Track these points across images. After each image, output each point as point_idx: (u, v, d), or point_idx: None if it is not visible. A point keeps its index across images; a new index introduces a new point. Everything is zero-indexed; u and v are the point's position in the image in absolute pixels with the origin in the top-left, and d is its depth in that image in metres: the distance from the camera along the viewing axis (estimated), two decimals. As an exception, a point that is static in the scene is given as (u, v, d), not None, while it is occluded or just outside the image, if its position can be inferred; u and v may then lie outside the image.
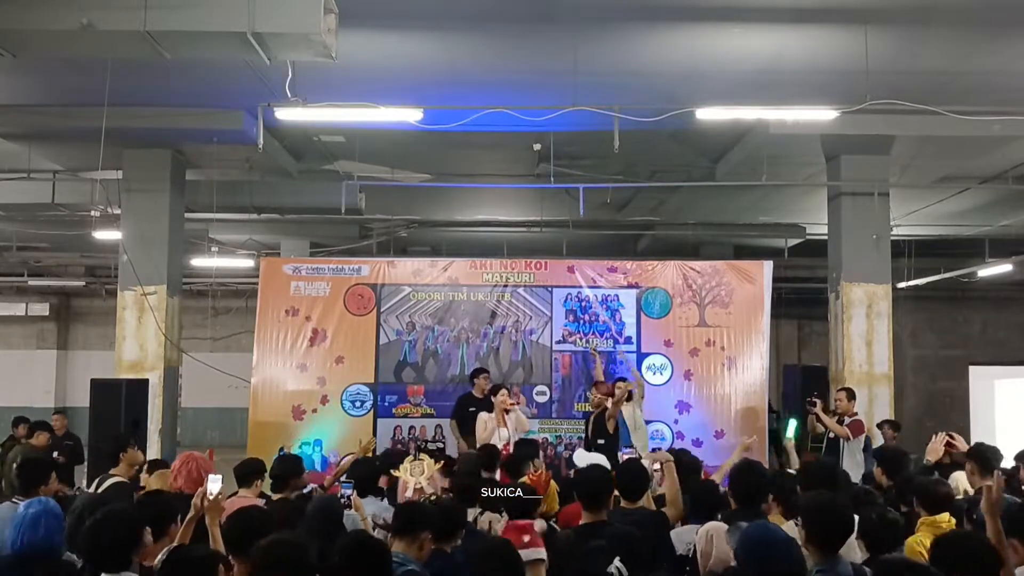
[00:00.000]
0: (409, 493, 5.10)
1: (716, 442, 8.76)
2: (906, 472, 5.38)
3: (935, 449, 5.48)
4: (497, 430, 7.47)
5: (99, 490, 5.42)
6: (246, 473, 5.07)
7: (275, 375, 8.95)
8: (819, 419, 8.16)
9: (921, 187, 10.74)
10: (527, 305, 9.21)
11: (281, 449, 8.16)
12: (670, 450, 6.01)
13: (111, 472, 5.71)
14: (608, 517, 4.23)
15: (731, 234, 14.13)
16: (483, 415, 7.63)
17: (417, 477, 5.11)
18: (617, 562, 3.33)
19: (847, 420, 8.11)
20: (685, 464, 5.16)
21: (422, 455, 5.55)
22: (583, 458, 5.68)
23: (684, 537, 4.31)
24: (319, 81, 6.85)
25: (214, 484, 3.76)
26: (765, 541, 3.33)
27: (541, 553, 3.70)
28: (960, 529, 3.54)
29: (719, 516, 4.22)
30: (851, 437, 7.88)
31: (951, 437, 5.79)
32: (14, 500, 4.72)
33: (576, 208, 9.71)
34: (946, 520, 4.13)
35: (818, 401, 8.21)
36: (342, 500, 4.55)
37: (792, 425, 6.87)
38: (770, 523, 3.70)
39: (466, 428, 7.98)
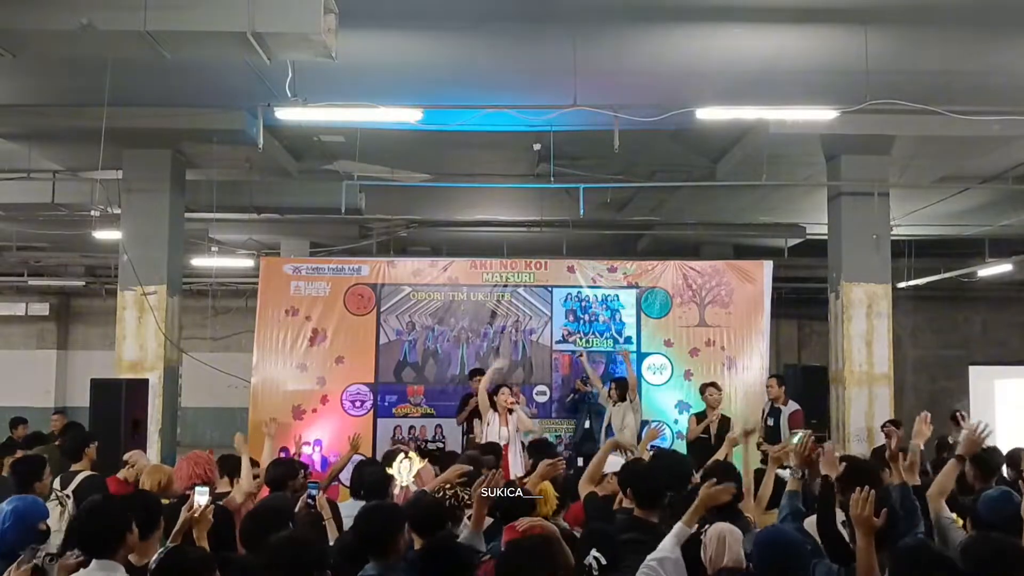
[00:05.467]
0: (397, 491, 5.07)
1: (716, 442, 8.77)
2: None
3: (922, 431, 4.98)
4: (499, 429, 7.49)
5: (68, 487, 5.45)
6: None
7: (275, 375, 8.95)
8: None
9: (921, 187, 10.74)
10: (527, 305, 9.21)
11: (283, 450, 8.16)
12: (660, 449, 5.98)
13: (73, 468, 5.73)
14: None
15: (731, 234, 14.12)
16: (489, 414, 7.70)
17: (404, 475, 5.07)
18: (594, 552, 3.35)
19: (784, 411, 8.04)
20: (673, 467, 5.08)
21: (411, 453, 5.51)
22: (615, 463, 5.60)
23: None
24: (319, 81, 6.85)
25: (201, 496, 3.72)
26: (779, 543, 3.35)
27: None
28: (986, 531, 3.54)
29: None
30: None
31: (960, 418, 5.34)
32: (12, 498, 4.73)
33: (576, 208, 9.70)
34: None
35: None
36: (308, 501, 4.54)
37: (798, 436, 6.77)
38: (783, 526, 3.71)
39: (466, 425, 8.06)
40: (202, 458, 5.00)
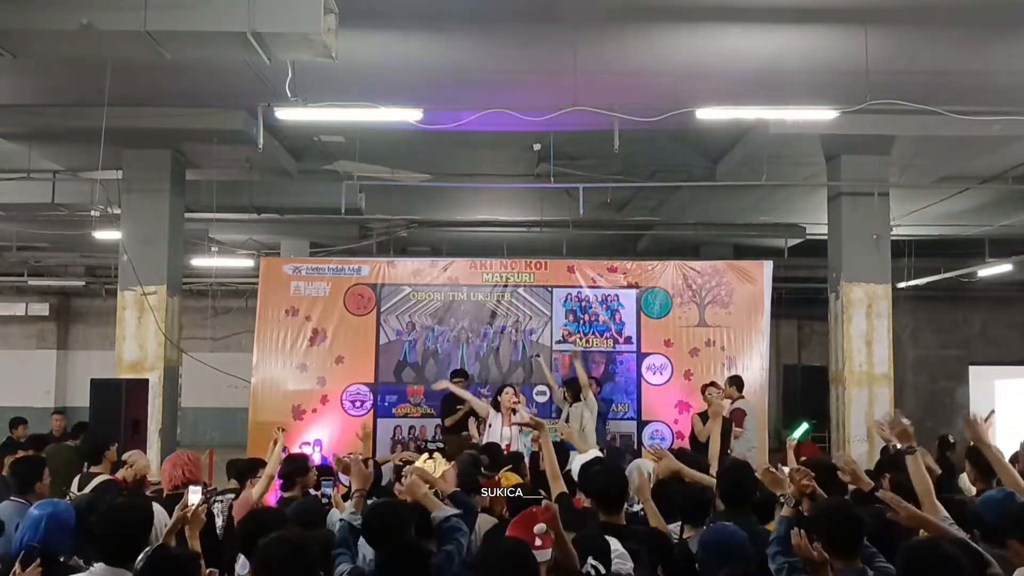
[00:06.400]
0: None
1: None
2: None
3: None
4: (501, 429, 7.48)
5: (85, 489, 5.44)
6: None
7: (275, 375, 8.95)
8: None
9: (921, 187, 10.74)
10: (527, 305, 9.21)
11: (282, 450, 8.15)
12: (673, 449, 5.98)
13: (92, 471, 5.72)
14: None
15: (731, 234, 14.13)
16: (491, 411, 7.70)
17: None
18: (592, 560, 3.33)
19: (729, 405, 7.91)
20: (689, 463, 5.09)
21: (436, 454, 5.52)
22: (579, 460, 5.61)
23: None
24: (319, 81, 6.86)
25: (194, 495, 3.70)
26: (723, 541, 3.32)
27: (547, 555, 3.68)
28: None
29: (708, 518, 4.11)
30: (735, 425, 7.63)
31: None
32: (12, 499, 4.73)
33: (576, 208, 9.70)
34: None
35: None
36: (323, 500, 4.54)
37: (802, 428, 6.76)
38: (728, 524, 3.67)
39: (454, 428, 8.07)
40: (181, 458, 5.00)
